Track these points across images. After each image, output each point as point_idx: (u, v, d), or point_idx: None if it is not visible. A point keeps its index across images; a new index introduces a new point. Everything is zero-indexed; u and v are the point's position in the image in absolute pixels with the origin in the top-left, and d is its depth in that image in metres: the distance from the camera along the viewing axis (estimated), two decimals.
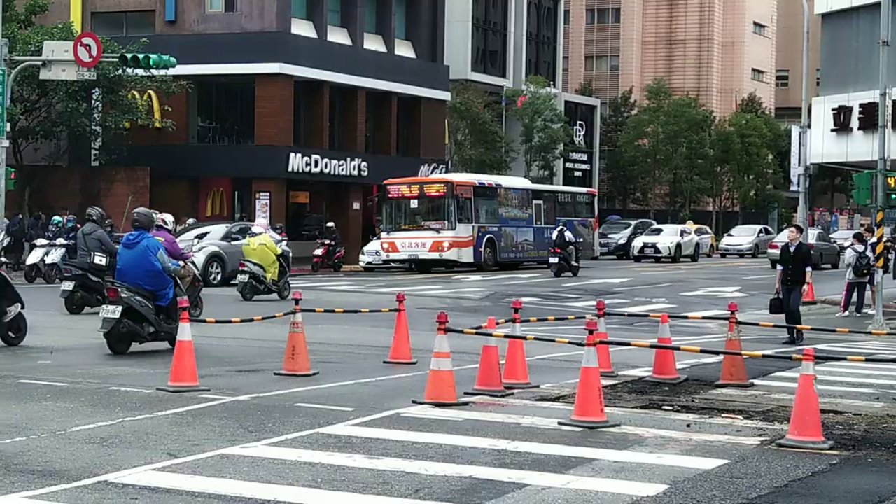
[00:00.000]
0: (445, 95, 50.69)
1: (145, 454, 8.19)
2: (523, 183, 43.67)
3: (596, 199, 46.81)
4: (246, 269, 23.59)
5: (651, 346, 12.67)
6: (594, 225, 43.75)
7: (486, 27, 59.53)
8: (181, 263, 16.49)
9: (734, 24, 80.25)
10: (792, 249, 17.88)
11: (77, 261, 20.20)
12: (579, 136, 64.80)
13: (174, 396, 10.42)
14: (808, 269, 18.32)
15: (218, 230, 30.65)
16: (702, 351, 12.87)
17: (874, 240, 21.99)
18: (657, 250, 44.48)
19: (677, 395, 11.80)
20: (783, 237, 30.22)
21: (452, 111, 52.40)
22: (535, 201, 40.89)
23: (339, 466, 7.84)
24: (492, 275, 34.00)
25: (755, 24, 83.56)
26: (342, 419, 9.66)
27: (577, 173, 65.54)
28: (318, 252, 35.48)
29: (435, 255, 34.79)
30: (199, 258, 27.07)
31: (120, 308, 12.98)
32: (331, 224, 35.77)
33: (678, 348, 12.64)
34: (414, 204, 37.10)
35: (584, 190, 48.13)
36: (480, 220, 36.54)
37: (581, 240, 38.63)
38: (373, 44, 46.98)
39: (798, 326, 16.10)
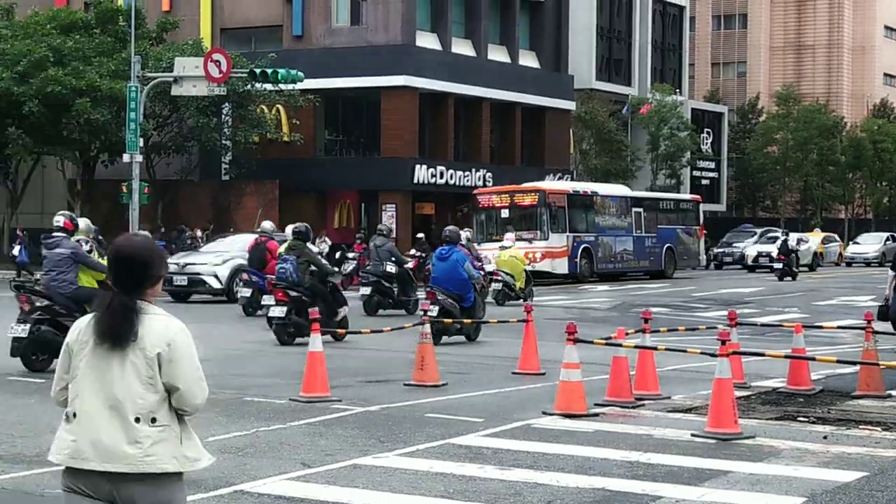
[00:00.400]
0: (570, 105, 50.05)
1: (279, 464, 8.35)
2: (622, 190, 41.34)
3: (700, 206, 44.11)
4: (499, 278, 25.86)
5: (786, 357, 12.45)
6: (699, 233, 41.34)
7: (610, 35, 58.37)
8: (482, 272, 20.75)
9: (865, 28, 77.36)
10: None
11: (371, 269, 22.78)
12: (706, 143, 62.75)
13: (306, 407, 10.56)
14: None
15: (241, 241, 28.91)
16: (837, 361, 12.73)
17: None
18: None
19: (813, 407, 11.57)
20: None
21: (577, 120, 51.60)
22: (634, 209, 38.61)
23: (470, 477, 7.87)
24: (615, 285, 32.80)
25: (886, 27, 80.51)
26: (472, 430, 9.64)
27: (704, 181, 63.51)
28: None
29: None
30: (223, 271, 26.31)
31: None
32: (420, 235, 34.40)
33: (813, 358, 12.31)
34: (504, 213, 35.41)
35: (688, 197, 45.87)
36: (575, 229, 34.66)
37: (682, 247, 37.68)
38: (497, 55, 46.61)
39: None
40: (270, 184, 39.97)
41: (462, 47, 44.61)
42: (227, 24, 43.61)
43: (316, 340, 11.56)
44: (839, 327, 20.20)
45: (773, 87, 72.50)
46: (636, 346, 11.52)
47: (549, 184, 38.19)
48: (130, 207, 32.35)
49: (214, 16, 43.90)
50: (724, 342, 9.90)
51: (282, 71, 32.74)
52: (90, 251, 14.42)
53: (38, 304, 13.36)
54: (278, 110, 39.96)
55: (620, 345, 11.28)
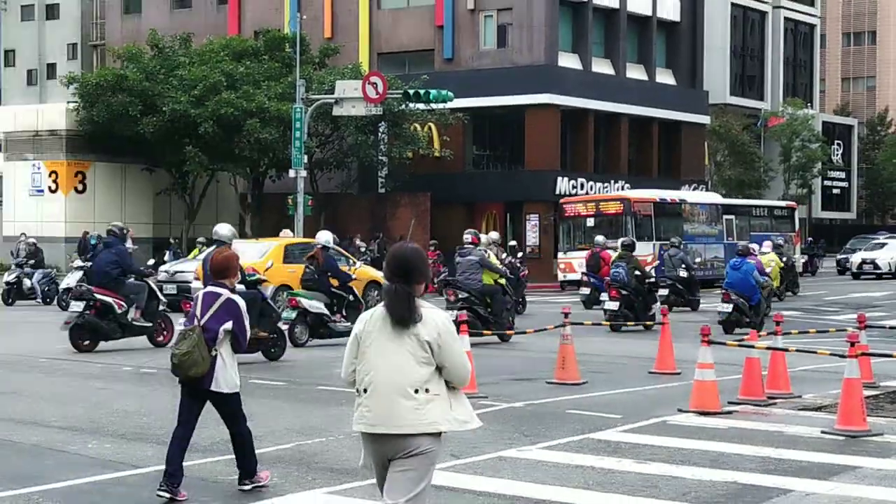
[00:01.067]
0: (705, 119, 49.43)
1: None
2: (712, 197, 39.72)
3: (796, 212, 42.07)
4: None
5: None
6: (795, 239, 38.93)
7: (743, 53, 58.57)
8: (767, 278, 21.56)
9: None
10: None
11: (666, 273, 24.75)
12: (837, 155, 62.37)
13: None
14: None
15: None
16: None
17: None
18: (876, 266, 39.26)
19: None
20: None
21: (711, 134, 51.10)
22: (725, 216, 36.81)
23: (608, 470, 7.93)
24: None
25: None
26: (611, 426, 9.73)
27: (835, 191, 64.45)
28: None
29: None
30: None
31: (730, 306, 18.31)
32: (513, 243, 32.90)
33: None
34: (590, 222, 34.22)
35: (782, 204, 43.26)
36: (662, 237, 32.41)
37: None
38: (634, 73, 46.19)
39: None
40: (423, 196, 40.23)
41: (601, 66, 44.58)
42: (383, 49, 44.33)
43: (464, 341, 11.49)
44: None
45: None
46: (768, 348, 11.53)
47: (636, 192, 36.80)
48: (296, 219, 32.98)
49: (372, 42, 44.55)
50: (853, 344, 9.73)
51: (433, 91, 33.00)
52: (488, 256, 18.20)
53: (460, 295, 17.02)
54: (430, 128, 40.12)
55: (753, 346, 11.24)
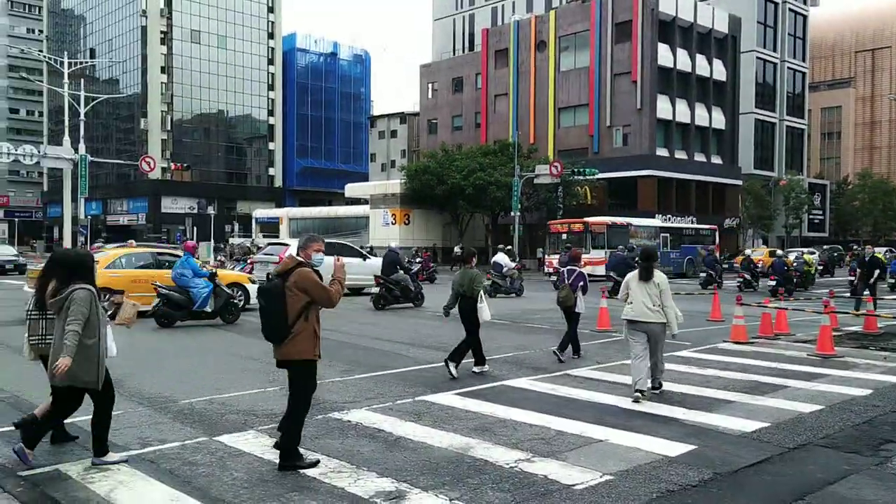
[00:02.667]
0: (739, 182, 52.08)
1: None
2: (653, 222, 40.52)
3: (716, 232, 42.13)
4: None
5: (858, 314, 13.48)
6: (716, 249, 36.44)
7: (762, 145, 60.27)
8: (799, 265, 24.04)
9: None
10: None
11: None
12: (817, 201, 65.86)
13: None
14: None
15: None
16: (879, 316, 13.76)
17: None
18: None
19: (878, 341, 12.40)
20: None
21: (743, 190, 52.70)
22: (662, 234, 38.19)
23: (685, 372, 8.92)
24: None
25: None
26: (686, 349, 8.90)
27: (815, 221, 66.93)
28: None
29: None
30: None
31: None
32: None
33: (873, 314, 13.35)
34: (564, 236, 35.95)
35: (706, 226, 42.52)
36: (612, 246, 32.16)
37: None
38: (699, 157, 50.52)
39: None
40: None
41: (680, 154, 48.93)
42: (560, 147, 51.25)
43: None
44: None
45: None
46: (775, 307, 13.02)
47: (595, 218, 37.84)
48: (515, 237, 39.49)
49: (555, 144, 51.96)
50: (826, 305, 11.45)
51: (587, 169, 40.80)
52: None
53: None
54: (586, 189, 46.52)
55: (766, 306, 12.92)
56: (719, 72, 52.11)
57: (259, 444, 6.71)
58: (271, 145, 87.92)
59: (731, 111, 53.51)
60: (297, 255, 6.13)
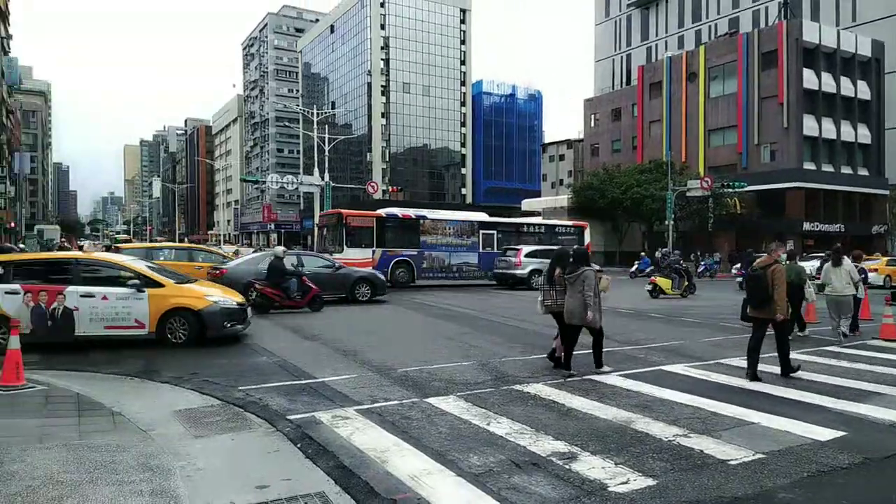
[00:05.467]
0: (886, 192, 46.33)
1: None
2: (465, 216, 26.89)
3: (586, 231, 28.89)
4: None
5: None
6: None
7: None
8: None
9: None
10: None
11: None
12: None
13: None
14: None
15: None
16: None
17: None
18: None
19: None
20: None
21: (890, 199, 46.87)
22: (482, 231, 26.02)
23: (831, 366, 10.11)
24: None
25: None
26: (840, 346, 10.18)
27: None
28: None
29: None
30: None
31: None
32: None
33: None
34: (316, 231, 27.82)
35: (565, 223, 30.23)
36: (386, 245, 23.85)
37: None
38: (846, 170, 45.40)
39: None
40: (731, 233, 43.44)
41: (827, 167, 44.00)
42: (710, 164, 47.60)
43: None
44: None
45: None
46: None
47: (351, 211, 25.42)
48: (671, 242, 37.29)
49: (705, 161, 48.35)
50: None
51: (736, 182, 38.25)
52: None
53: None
54: (735, 200, 43.53)
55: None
56: (863, 92, 47.08)
57: (458, 406, 6.78)
58: (463, 170, 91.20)
59: (877, 127, 48.11)
60: (771, 255, 8.09)
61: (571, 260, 7.90)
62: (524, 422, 6.25)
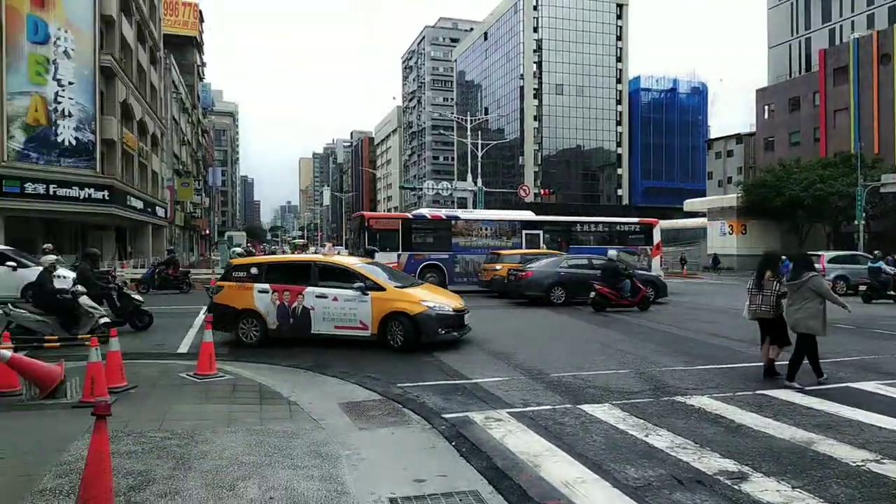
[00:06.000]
0: None
1: None
2: (503, 214, 24.53)
3: (655, 228, 25.09)
4: None
5: None
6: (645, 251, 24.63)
7: None
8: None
9: None
10: None
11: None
12: None
13: None
14: None
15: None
16: None
17: None
18: None
19: None
20: None
21: None
22: (525, 231, 23.68)
23: None
24: None
25: None
26: None
27: None
28: None
29: None
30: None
31: None
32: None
33: None
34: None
35: (629, 220, 25.82)
36: (413, 248, 22.28)
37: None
38: None
39: None
40: None
41: None
42: None
43: None
44: None
45: None
46: None
47: (420, 212, 24.64)
48: (861, 244, 34.43)
49: None
50: None
51: None
52: None
53: None
54: None
55: None
56: None
57: (614, 415, 6.64)
58: (619, 170, 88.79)
59: None
60: None
61: (793, 265, 7.60)
62: (687, 435, 5.97)
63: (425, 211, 24.13)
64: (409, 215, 23.35)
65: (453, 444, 5.56)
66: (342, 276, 10.53)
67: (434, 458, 5.22)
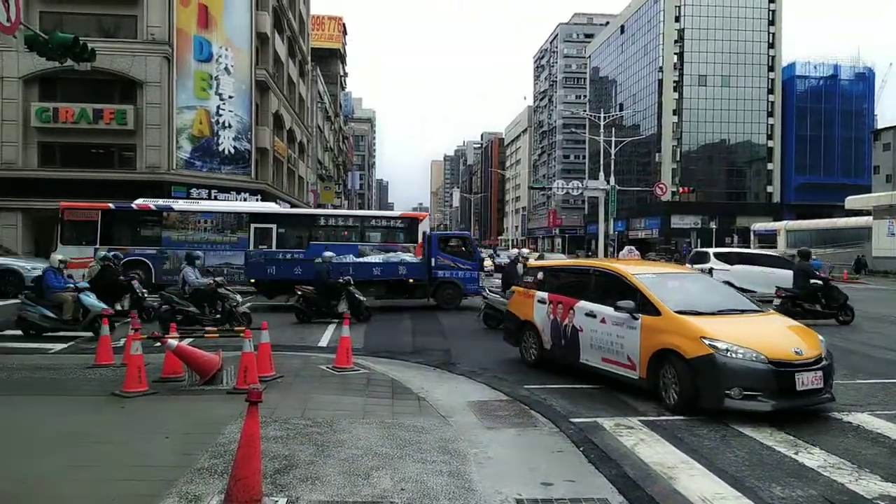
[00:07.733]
0: None
1: None
2: (229, 206, 22.29)
3: (420, 224, 20.35)
4: None
5: None
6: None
7: None
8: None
9: None
10: None
11: None
12: None
13: None
14: None
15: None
16: None
17: None
18: None
19: None
20: None
21: None
22: (253, 225, 20.90)
23: None
24: None
25: None
26: None
27: None
28: None
29: None
30: None
31: None
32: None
33: None
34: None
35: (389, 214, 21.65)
36: (112, 242, 19.96)
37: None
38: None
39: None
40: None
41: None
42: None
43: None
44: None
45: None
46: None
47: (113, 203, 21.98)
48: None
49: None
50: None
51: None
52: None
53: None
54: None
55: None
56: None
57: (759, 430, 6.33)
58: (769, 165, 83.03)
59: None
60: None
61: None
62: (842, 455, 5.57)
63: (140, 201, 21.69)
64: (111, 205, 21.16)
65: (581, 449, 5.52)
66: (615, 289, 7.74)
67: (561, 462, 5.20)
